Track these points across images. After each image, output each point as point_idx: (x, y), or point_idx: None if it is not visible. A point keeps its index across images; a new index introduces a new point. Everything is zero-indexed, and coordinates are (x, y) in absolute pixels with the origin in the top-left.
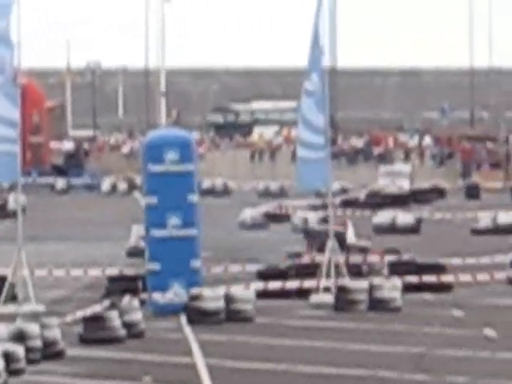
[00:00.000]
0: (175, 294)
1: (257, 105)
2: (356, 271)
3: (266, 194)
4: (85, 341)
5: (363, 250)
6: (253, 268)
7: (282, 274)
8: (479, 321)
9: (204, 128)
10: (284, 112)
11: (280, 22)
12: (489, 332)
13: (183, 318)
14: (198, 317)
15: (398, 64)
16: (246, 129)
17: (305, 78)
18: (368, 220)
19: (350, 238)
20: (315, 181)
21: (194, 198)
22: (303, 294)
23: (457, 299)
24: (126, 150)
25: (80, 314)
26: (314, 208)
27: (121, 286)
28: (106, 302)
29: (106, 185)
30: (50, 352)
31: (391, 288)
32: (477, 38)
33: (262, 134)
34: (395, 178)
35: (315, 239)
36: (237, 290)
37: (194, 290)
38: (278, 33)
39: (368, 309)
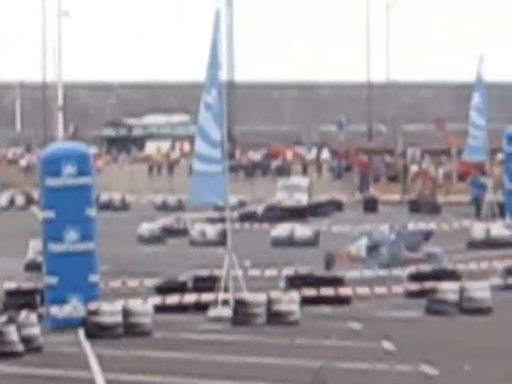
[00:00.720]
0: (73, 308)
1: (149, 119)
2: None
3: (164, 208)
4: None
5: None
6: (151, 282)
7: (179, 288)
8: (377, 333)
9: (98, 142)
10: (176, 126)
11: (177, 35)
12: (386, 344)
13: (81, 332)
14: (96, 331)
15: (295, 77)
16: (139, 143)
17: (204, 91)
18: (266, 233)
19: None
20: (210, 194)
21: (91, 211)
22: (201, 307)
23: (354, 312)
24: (23, 163)
25: None
26: (212, 221)
27: (18, 300)
28: (4, 317)
29: (3, 199)
30: None
31: (289, 301)
32: (374, 51)
33: (160, 147)
34: (293, 191)
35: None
36: (134, 304)
37: (92, 305)
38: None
39: (266, 322)
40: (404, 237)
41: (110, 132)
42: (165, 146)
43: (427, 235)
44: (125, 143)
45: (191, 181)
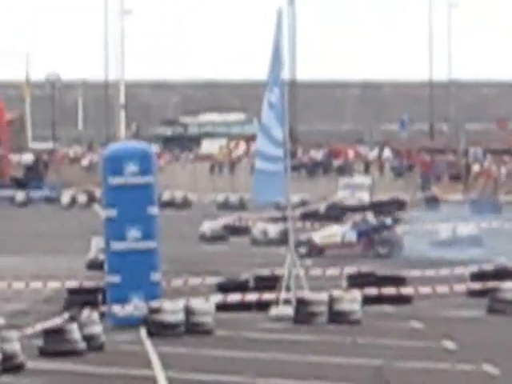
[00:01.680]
0: (135, 306)
1: (205, 117)
2: None
3: (226, 207)
4: (45, 354)
5: None
6: (213, 280)
7: (241, 287)
8: (438, 332)
9: (154, 141)
10: (232, 125)
11: (240, 34)
12: (448, 344)
13: (143, 331)
14: (158, 329)
15: (358, 76)
16: (195, 141)
17: (267, 90)
18: None
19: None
20: (272, 193)
21: (153, 210)
22: (263, 306)
23: (416, 311)
24: (85, 162)
25: (40, 326)
26: (274, 220)
27: (80, 298)
28: (66, 315)
29: (65, 197)
30: (9, 365)
31: (351, 300)
32: (436, 51)
33: (222, 146)
34: (355, 190)
35: None
36: (196, 303)
37: (154, 303)
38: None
39: (328, 321)
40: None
41: (165, 131)
42: (216, 144)
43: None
44: (180, 142)
45: (253, 179)
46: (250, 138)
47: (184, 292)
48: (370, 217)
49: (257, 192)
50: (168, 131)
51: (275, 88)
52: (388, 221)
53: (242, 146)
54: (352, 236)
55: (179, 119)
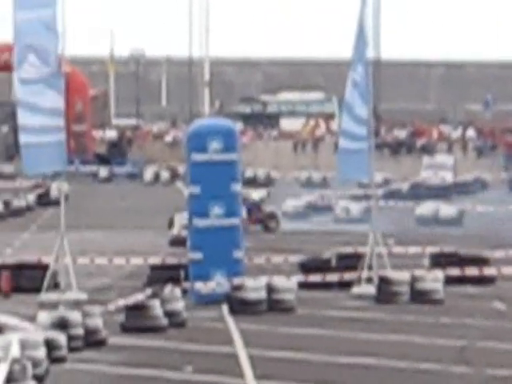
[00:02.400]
0: (217, 283)
1: (284, 96)
2: None
3: (309, 185)
4: (126, 329)
5: None
6: (295, 259)
7: (323, 265)
8: None
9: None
10: (311, 104)
11: (324, 12)
12: (499, 305)
13: (225, 308)
14: (240, 306)
15: (442, 56)
16: (273, 120)
17: (350, 68)
18: (411, 212)
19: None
20: (356, 171)
21: (237, 187)
22: (345, 285)
23: (499, 292)
24: (169, 139)
25: (122, 302)
26: (357, 199)
27: (163, 274)
28: (148, 291)
29: (148, 174)
30: (91, 340)
31: (433, 280)
32: None
33: (306, 124)
34: (438, 169)
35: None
36: (278, 280)
37: (236, 280)
38: (322, 23)
39: (410, 300)
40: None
41: (245, 108)
42: (299, 123)
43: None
44: (259, 120)
45: (337, 158)
46: (329, 117)
47: (266, 270)
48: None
49: (341, 171)
50: (247, 109)
51: (359, 66)
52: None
53: (321, 124)
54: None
55: (259, 97)
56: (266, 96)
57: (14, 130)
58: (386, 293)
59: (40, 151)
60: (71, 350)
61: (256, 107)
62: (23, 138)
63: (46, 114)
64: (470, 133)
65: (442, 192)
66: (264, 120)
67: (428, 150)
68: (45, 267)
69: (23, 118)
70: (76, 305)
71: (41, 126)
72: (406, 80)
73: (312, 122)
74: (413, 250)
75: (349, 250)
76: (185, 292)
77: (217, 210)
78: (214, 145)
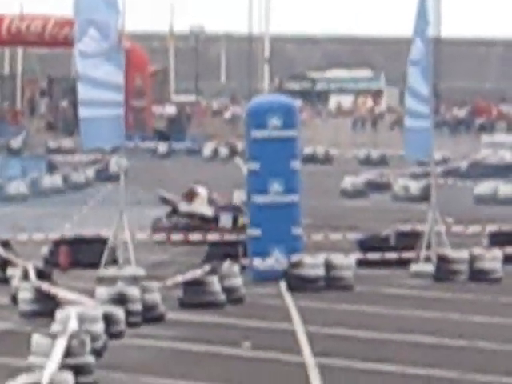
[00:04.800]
0: (275, 260)
1: (332, 73)
2: None
3: (368, 162)
4: (184, 305)
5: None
6: (353, 236)
7: (382, 243)
8: None
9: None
10: (359, 81)
11: None
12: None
13: (283, 285)
14: (298, 283)
15: (502, 34)
16: (323, 97)
17: (410, 46)
18: (469, 190)
19: (183, 206)
20: (421, 150)
21: (296, 164)
22: (404, 262)
23: None
24: (228, 115)
25: (180, 278)
26: (416, 177)
27: (221, 250)
28: (207, 267)
29: (207, 150)
30: (149, 316)
31: (492, 259)
32: None
33: (365, 101)
34: (498, 148)
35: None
36: (337, 258)
37: (295, 257)
38: (382, 1)
39: (468, 279)
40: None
41: (293, 85)
42: (347, 100)
43: None
44: (308, 97)
45: (404, 137)
46: (377, 94)
47: (325, 247)
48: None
49: (408, 150)
50: (296, 86)
51: (420, 44)
52: None
53: (369, 101)
54: None
55: (308, 74)
56: (315, 73)
57: (74, 105)
58: (444, 271)
59: (98, 125)
60: (129, 325)
61: (305, 84)
62: (82, 112)
63: (106, 88)
64: None
65: (501, 171)
66: (313, 97)
67: (487, 128)
68: (103, 242)
69: (83, 91)
70: (134, 280)
71: (100, 100)
72: (465, 58)
73: (360, 100)
74: (471, 228)
75: (407, 228)
76: (243, 268)
77: (276, 186)
78: (274, 121)
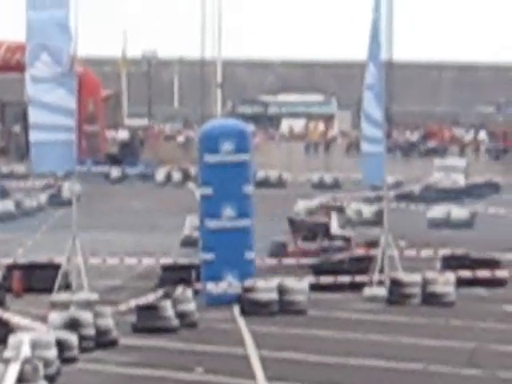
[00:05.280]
0: (229, 284)
1: (283, 97)
2: None
3: (321, 186)
4: (138, 330)
5: (347, 240)
6: (307, 260)
7: (335, 267)
8: None
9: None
10: (310, 105)
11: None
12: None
13: (236, 309)
14: (252, 308)
15: (454, 58)
16: (274, 121)
17: (365, 71)
18: (422, 214)
19: (334, 228)
20: (376, 174)
21: (249, 188)
22: (356, 286)
23: (511, 294)
24: (181, 139)
25: (133, 303)
26: (369, 201)
27: (174, 275)
28: (160, 292)
29: (160, 174)
30: (103, 340)
31: (444, 282)
32: None
33: (316, 125)
34: (450, 172)
35: (300, 228)
36: (290, 282)
37: (248, 281)
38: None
39: (421, 303)
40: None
41: (246, 109)
42: (299, 124)
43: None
44: (261, 121)
45: (361, 162)
46: (328, 118)
47: (278, 271)
48: None
49: (365, 174)
50: (248, 110)
51: (373, 68)
52: None
53: (321, 126)
54: None
55: (259, 98)
56: (267, 97)
57: (26, 129)
58: (397, 295)
59: (49, 149)
60: (82, 350)
61: (257, 108)
62: (33, 136)
63: (57, 112)
64: (483, 135)
65: (453, 194)
66: (265, 121)
67: (440, 152)
68: (56, 267)
69: (34, 116)
70: (87, 305)
71: (51, 124)
72: (418, 82)
73: (311, 124)
74: (424, 252)
75: (361, 252)
76: (196, 293)
77: (229, 211)
78: (226, 146)
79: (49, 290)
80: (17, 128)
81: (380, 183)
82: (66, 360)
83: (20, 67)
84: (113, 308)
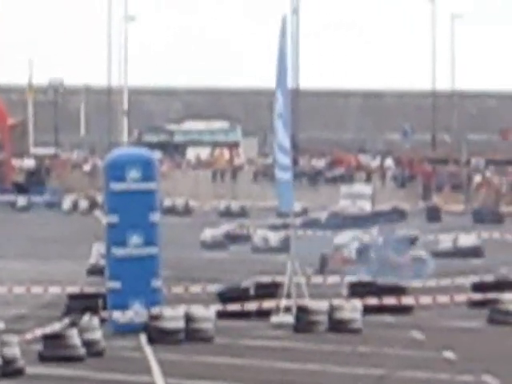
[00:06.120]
0: (135, 312)
1: (189, 125)
2: None
3: (227, 214)
4: (44, 359)
5: None
6: (213, 288)
7: (242, 295)
8: (439, 343)
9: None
10: (215, 133)
11: (242, 42)
12: (448, 354)
13: (143, 337)
14: (158, 336)
15: (359, 85)
16: (180, 149)
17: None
18: (329, 241)
19: None
20: (290, 201)
21: (155, 216)
22: (264, 314)
23: (417, 321)
24: (87, 168)
25: (40, 331)
26: (275, 228)
27: (81, 304)
28: (66, 320)
29: (67, 203)
30: (9, 369)
31: (351, 309)
32: (439, 60)
33: (221, 153)
34: (356, 199)
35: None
36: (197, 310)
37: (154, 309)
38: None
39: (328, 330)
40: (391, 241)
41: (152, 138)
42: (205, 152)
43: (413, 240)
44: (167, 149)
45: (277, 189)
46: (233, 146)
47: (184, 299)
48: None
49: (281, 201)
50: (154, 138)
51: (280, 96)
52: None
53: (226, 153)
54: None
55: (165, 126)
56: (173, 125)
57: None
58: (304, 322)
59: None
60: None
61: (163, 136)
62: None
63: None
64: (389, 162)
65: (360, 221)
66: (171, 149)
67: (346, 179)
68: None
69: None
70: None
71: None
72: (324, 109)
73: (216, 152)
74: (331, 279)
75: (267, 279)
76: (103, 321)
77: (135, 239)
78: (133, 174)
79: None
80: None
81: (287, 210)
82: None
83: None
84: (19, 337)
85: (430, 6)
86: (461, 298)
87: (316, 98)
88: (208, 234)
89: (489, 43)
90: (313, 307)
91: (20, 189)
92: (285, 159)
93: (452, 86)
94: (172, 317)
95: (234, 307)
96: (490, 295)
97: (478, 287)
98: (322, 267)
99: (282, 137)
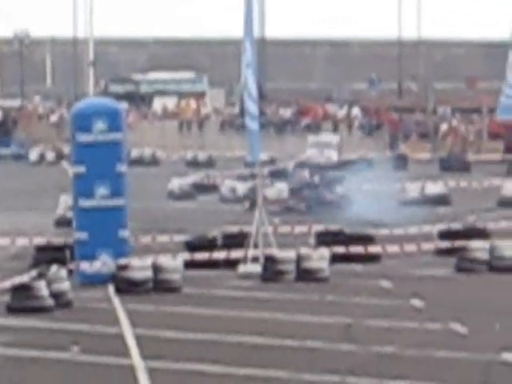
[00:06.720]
0: (103, 263)
1: (155, 75)
2: None
3: (195, 164)
4: (12, 310)
5: None
6: (181, 238)
7: (209, 244)
8: (407, 291)
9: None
10: (181, 83)
11: None
12: (416, 302)
13: (111, 288)
14: (126, 286)
15: (327, 35)
16: (147, 99)
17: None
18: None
19: None
20: (258, 150)
21: (122, 167)
22: (231, 264)
23: (384, 270)
24: (54, 119)
25: (7, 283)
26: (242, 178)
27: (48, 255)
28: (34, 272)
29: (33, 154)
30: None
31: (319, 258)
32: (405, 8)
33: (188, 103)
34: (323, 148)
35: None
36: (164, 260)
37: (122, 260)
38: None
39: (296, 279)
40: (324, 180)
41: (118, 88)
42: (171, 102)
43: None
44: (133, 99)
45: (248, 139)
46: (200, 96)
47: (152, 249)
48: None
49: (251, 151)
50: (120, 89)
51: (248, 45)
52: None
53: (193, 103)
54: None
55: (131, 77)
56: (138, 75)
57: None
58: (271, 271)
59: None
60: None
61: (129, 87)
62: None
63: None
64: (356, 111)
65: (327, 170)
66: (137, 100)
67: (313, 128)
68: None
69: None
70: None
71: None
72: (291, 59)
73: (183, 102)
74: (298, 228)
75: (235, 228)
76: (70, 272)
77: (102, 190)
78: (99, 125)
79: None
80: None
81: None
82: None
83: None
84: None
85: None
86: (428, 246)
87: (283, 48)
88: (175, 184)
89: None
90: (280, 257)
91: None
92: (254, 108)
93: (418, 34)
94: (140, 267)
95: (201, 257)
96: (458, 243)
97: (445, 235)
98: (252, 206)
99: (252, 86)
